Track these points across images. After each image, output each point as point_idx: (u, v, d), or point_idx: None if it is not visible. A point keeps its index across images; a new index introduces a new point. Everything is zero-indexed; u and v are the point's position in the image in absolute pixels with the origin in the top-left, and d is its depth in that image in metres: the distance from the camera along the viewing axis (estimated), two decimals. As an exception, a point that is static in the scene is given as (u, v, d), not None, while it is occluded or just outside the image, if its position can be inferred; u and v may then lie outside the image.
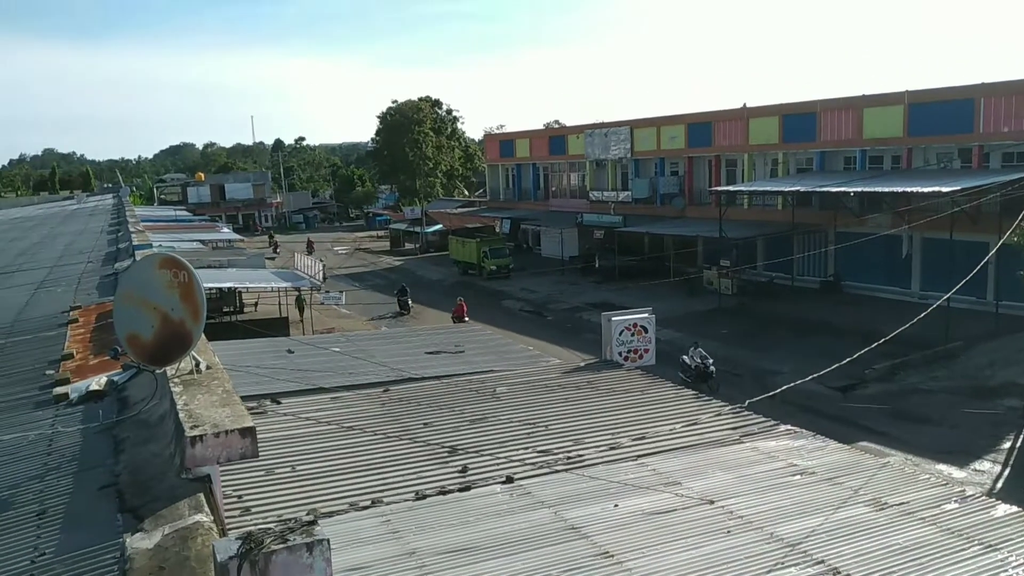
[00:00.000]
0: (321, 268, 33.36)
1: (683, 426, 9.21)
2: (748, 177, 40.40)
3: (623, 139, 48.41)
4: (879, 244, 31.18)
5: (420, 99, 71.86)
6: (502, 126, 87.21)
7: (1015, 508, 6.99)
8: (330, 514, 6.87)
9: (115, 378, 7.28)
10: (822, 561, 6.06)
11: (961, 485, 9.91)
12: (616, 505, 7.11)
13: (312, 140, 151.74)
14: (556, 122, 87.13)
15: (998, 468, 17.82)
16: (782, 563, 6.04)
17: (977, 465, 17.92)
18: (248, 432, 5.03)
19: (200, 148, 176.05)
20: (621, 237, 44.48)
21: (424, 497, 7.34)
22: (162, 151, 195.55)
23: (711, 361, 22.40)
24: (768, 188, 36.55)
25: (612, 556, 6.17)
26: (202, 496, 4.77)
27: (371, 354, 12.82)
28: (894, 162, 34.39)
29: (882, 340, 14.71)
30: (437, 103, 75.35)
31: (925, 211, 27.97)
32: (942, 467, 17.52)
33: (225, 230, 44.67)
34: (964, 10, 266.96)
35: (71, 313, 11.43)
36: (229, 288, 32.33)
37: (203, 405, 5.45)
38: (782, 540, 6.39)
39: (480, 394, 10.44)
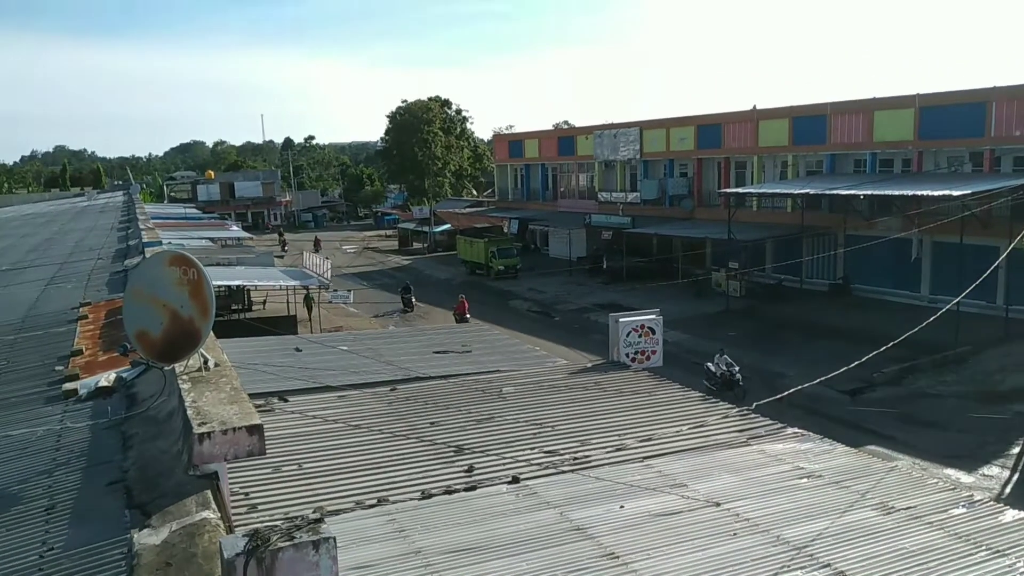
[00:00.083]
0: (328, 267, 33.43)
1: (690, 428, 9.19)
2: (757, 179, 40.32)
3: (632, 140, 48.34)
4: (889, 247, 31.07)
5: (430, 99, 72.11)
6: (511, 126, 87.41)
7: (1023, 514, 6.95)
8: (336, 512, 6.87)
9: (124, 374, 7.32)
10: (828, 564, 6.04)
11: (969, 490, 9.87)
12: (622, 506, 7.09)
13: (321, 139, 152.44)
14: (565, 123, 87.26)
15: (1006, 473, 17.74)
16: (788, 566, 6.03)
17: (985, 470, 17.83)
18: (255, 430, 5.05)
19: (210, 146, 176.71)
20: (629, 238, 44.40)
21: (430, 496, 7.34)
22: (172, 149, 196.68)
23: (737, 368, 21.82)
24: (777, 190, 36.46)
25: (618, 557, 6.16)
26: (209, 493, 4.79)
27: (379, 353, 12.82)
28: (904, 165, 34.23)
29: (891, 344, 14.67)
30: (447, 103, 75.51)
31: (935, 215, 27.91)
32: (950, 471, 17.46)
33: (234, 228, 44.67)
34: (976, 13, 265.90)
35: (81, 309, 11.48)
36: (238, 286, 32.45)
37: (211, 402, 5.47)
38: (788, 543, 6.37)
39: (487, 394, 10.43)
